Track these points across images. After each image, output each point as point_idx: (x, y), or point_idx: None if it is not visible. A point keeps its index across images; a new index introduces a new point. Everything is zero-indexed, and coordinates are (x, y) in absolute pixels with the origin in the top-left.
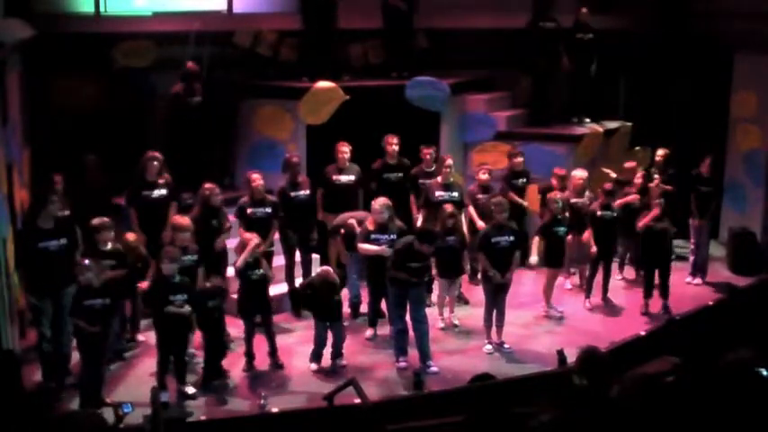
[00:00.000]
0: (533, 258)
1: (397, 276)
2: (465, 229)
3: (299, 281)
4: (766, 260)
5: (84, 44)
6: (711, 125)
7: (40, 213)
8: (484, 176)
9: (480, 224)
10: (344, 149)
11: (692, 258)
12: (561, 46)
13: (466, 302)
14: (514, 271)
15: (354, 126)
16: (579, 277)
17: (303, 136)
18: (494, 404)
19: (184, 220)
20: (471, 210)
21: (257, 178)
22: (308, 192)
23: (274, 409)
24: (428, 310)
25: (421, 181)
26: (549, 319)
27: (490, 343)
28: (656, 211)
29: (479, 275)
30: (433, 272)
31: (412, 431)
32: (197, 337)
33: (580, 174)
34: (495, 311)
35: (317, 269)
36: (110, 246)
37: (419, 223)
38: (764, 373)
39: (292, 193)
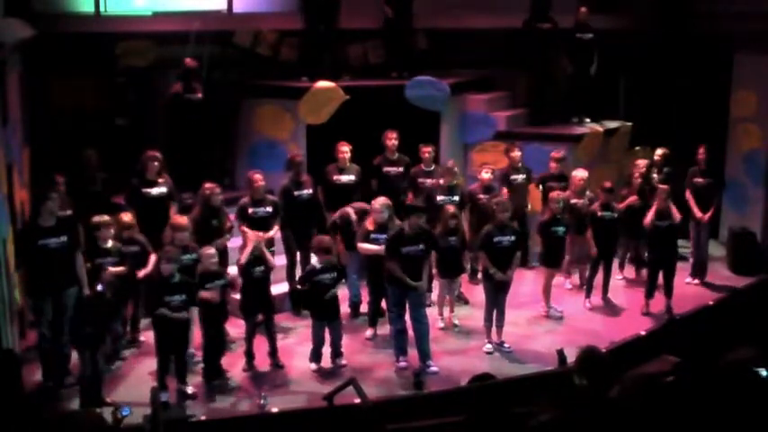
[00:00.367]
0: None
1: (393, 273)
2: (466, 227)
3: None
4: (766, 260)
5: (84, 44)
6: (711, 125)
7: (40, 211)
8: (486, 176)
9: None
10: (345, 149)
11: (691, 259)
12: (558, 46)
13: (466, 302)
14: (515, 270)
15: (354, 126)
16: (579, 277)
17: (303, 136)
18: (494, 404)
19: (183, 220)
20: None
21: (259, 179)
22: (311, 191)
23: (274, 409)
24: (428, 310)
25: (420, 180)
26: (549, 319)
27: (490, 342)
28: (657, 205)
29: (479, 275)
30: (434, 271)
31: (412, 431)
32: (197, 336)
33: (581, 174)
34: (495, 311)
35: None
36: (110, 243)
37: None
38: (764, 373)
39: (296, 192)
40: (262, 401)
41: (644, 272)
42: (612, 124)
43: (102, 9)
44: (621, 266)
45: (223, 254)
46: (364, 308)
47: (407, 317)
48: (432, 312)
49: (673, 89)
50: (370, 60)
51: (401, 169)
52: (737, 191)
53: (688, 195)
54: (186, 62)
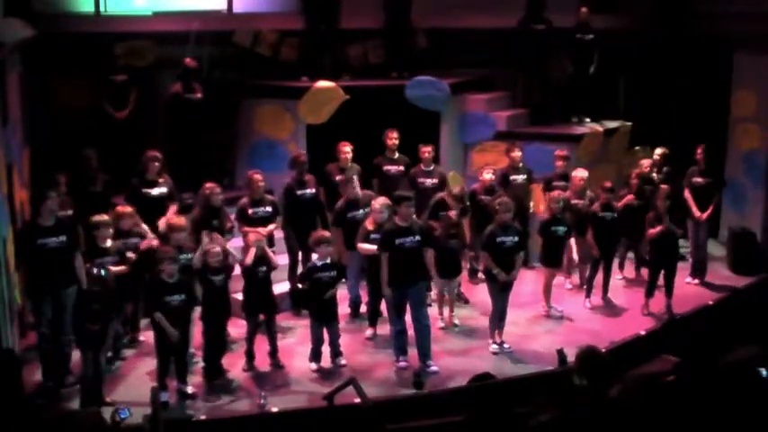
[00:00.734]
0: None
1: (381, 268)
2: (466, 227)
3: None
4: (766, 260)
5: (84, 44)
6: (711, 125)
7: (40, 210)
8: (488, 176)
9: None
10: (346, 149)
11: (691, 259)
12: (554, 46)
13: (466, 302)
14: (518, 270)
15: (354, 126)
16: (579, 277)
17: (303, 136)
18: (494, 404)
19: (180, 220)
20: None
21: (259, 179)
22: (313, 190)
23: (274, 409)
24: (428, 310)
25: (420, 180)
26: (549, 319)
27: (495, 343)
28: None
29: (479, 275)
30: (432, 272)
31: (412, 431)
32: (197, 336)
33: (581, 174)
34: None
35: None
36: (109, 243)
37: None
38: (764, 373)
39: (298, 192)
40: (262, 401)
41: (644, 272)
42: (612, 124)
43: (102, 9)
44: (621, 266)
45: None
46: (364, 308)
47: (408, 317)
48: (432, 312)
49: (673, 89)
50: (370, 60)
51: (402, 168)
52: (737, 191)
53: (687, 195)
54: (186, 62)
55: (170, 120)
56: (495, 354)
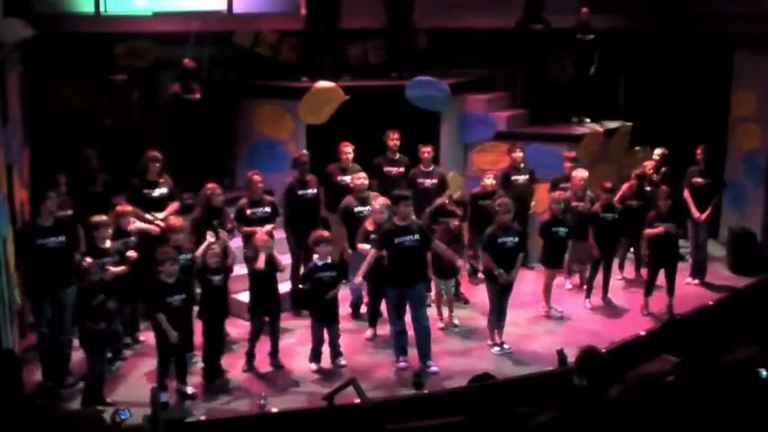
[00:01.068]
0: None
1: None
2: (465, 228)
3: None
4: (766, 260)
5: (84, 44)
6: (711, 125)
7: (39, 211)
8: (488, 181)
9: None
10: (348, 150)
11: (691, 259)
12: (552, 46)
13: (466, 302)
14: (518, 271)
15: (354, 126)
16: (579, 277)
17: (303, 136)
18: (494, 404)
19: (178, 221)
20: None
21: (258, 179)
22: (315, 191)
23: (274, 409)
24: (428, 311)
25: (419, 180)
26: (550, 319)
27: (495, 343)
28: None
29: (479, 274)
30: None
31: (412, 431)
32: (197, 336)
33: (581, 174)
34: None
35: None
36: (108, 243)
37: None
38: (764, 373)
39: (299, 192)
40: (262, 401)
41: (644, 272)
42: (612, 124)
43: (102, 9)
44: (621, 267)
45: (224, 254)
46: (364, 308)
47: (408, 317)
48: (431, 313)
49: (673, 89)
50: (370, 60)
51: (402, 169)
52: (737, 191)
53: (686, 195)
54: (184, 62)
55: (169, 120)
56: (498, 355)
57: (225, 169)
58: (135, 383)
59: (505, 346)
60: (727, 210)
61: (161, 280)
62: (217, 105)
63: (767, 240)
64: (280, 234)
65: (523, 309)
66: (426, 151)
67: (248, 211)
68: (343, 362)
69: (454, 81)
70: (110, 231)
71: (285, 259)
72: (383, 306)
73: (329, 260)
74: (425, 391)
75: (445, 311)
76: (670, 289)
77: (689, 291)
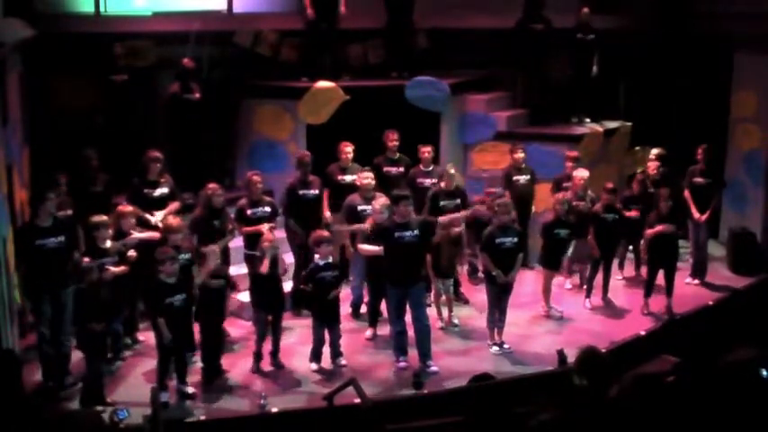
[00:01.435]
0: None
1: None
2: (464, 226)
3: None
4: (766, 260)
5: (84, 44)
6: (711, 125)
7: (38, 211)
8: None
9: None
10: (348, 149)
11: (691, 259)
12: (553, 46)
13: (466, 302)
14: (517, 272)
15: (354, 126)
16: (579, 277)
17: (303, 136)
18: (494, 404)
19: (176, 221)
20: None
21: (257, 179)
22: (317, 191)
23: (274, 409)
24: (428, 310)
25: (419, 180)
26: (549, 319)
27: (495, 343)
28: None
29: (480, 274)
30: (430, 272)
31: (412, 431)
32: (196, 336)
33: (581, 174)
34: (496, 311)
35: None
36: (109, 243)
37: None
38: (765, 373)
39: (301, 192)
40: (262, 401)
41: (644, 271)
42: (612, 124)
43: (102, 9)
44: (621, 266)
45: (224, 254)
46: (364, 308)
47: (408, 317)
48: (431, 312)
49: (673, 89)
50: (370, 60)
51: (402, 169)
52: (737, 191)
53: (687, 195)
54: (184, 62)
55: (169, 120)
56: (497, 355)
57: (225, 169)
58: (135, 383)
59: (505, 345)
60: (727, 210)
61: (161, 280)
62: (217, 105)
63: (767, 240)
64: (280, 234)
65: (523, 309)
66: (426, 151)
67: (248, 212)
68: (343, 362)
69: (454, 81)
70: (110, 232)
71: (287, 259)
72: (383, 306)
73: (330, 260)
74: (425, 391)
75: (445, 311)
76: (669, 289)
77: (689, 291)
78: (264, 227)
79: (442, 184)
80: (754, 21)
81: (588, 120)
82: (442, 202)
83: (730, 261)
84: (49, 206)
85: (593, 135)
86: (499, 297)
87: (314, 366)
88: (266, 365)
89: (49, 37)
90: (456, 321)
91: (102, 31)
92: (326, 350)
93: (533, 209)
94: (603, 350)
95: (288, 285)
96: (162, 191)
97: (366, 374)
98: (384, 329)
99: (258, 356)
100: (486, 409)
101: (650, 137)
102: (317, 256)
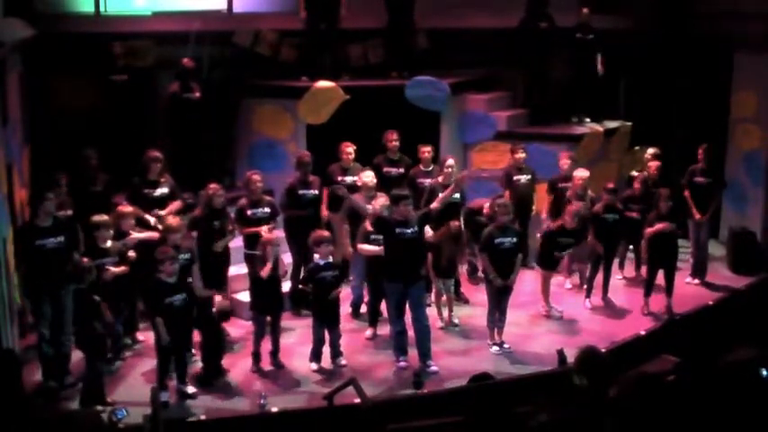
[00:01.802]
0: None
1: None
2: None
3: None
4: (766, 260)
5: (84, 44)
6: (711, 125)
7: (38, 211)
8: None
9: None
10: (349, 150)
11: (691, 259)
12: (555, 45)
13: (466, 302)
14: (517, 273)
15: (354, 126)
16: (579, 277)
17: (303, 136)
18: (493, 404)
19: (175, 221)
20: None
21: (257, 179)
22: (316, 192)
23: (274, 409)
24: (428, 310)
25: (419, 180)
26: (549, 319)
27: (495, 343)
28: (657, 212)
29: (480, 273)
30: (431, 272)
31: (412, 431)
32: (197, 336)
33: (581, 174)
34: (496, 311)
35: None
36: (109, 243)
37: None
38: (765, 373)
39: (300, 192)
40: (262, 401)
41: (644, 271)
42: (612, 124)
43: (102, 9)
44: (621, 266)
45: (224, 255)
46: (364, 308)
47: (408, 317)
48: (431, 312)
49: (673, 89)
50: (370, 60)
51: (402, 169)
52: (737, 191)
53: (687, 195)
54: (183, 62)
55: (169, 120)
56: (497, 355)
57: (225, 169)
58: (134, 383)
59: (505, 345)
60: (728, 209)
61: (161, 280)
62: (217, 105)
63: (767, 240)
64: (279, 233)
65: (523, 309)
66: (426, 151)
67: (248, 212)
68: (343, 362)
69: (454, 81)
70: (110, 232)
71: (286, 258)
72: (383, 306)
73: (330, 260)
74: (425, 391)
75: (445, 311)
76: (669, 289)
77: (689, 291)
78: (264, 229)
79: (440, 178)
80: (754, 21)
81: (588, 120)
82: (440, 195)
83: (730, 261)
84: (49, 206)
85: (593, 135)
86: (499, 297)
87: (314, 366)
88: (266, 365)
89: (49, 37)
90: (456, 321)
91: (102, 31)
92: (326, 350)
93: (534, 209)
94: (603, 350)
95: (286, 285)
96: (162, 191)
97: (366, 374)
98: (384, 329)
99: (257, 356)
100: (486, 409)
101: (650, 137)
102: (316, 255)
